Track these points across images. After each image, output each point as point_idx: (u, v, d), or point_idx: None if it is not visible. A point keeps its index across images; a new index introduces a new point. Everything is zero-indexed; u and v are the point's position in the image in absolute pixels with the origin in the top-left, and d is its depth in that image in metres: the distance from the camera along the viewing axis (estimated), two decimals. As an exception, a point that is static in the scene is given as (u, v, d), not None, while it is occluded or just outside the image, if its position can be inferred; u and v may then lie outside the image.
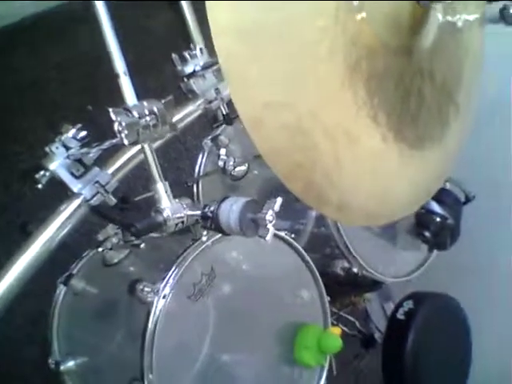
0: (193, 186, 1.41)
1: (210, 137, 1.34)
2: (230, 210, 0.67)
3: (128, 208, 0.92)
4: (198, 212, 0.72)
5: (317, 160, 0.67)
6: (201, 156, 1.42)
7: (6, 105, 1.47)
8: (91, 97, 1.53)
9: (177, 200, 0.75)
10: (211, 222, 0.69)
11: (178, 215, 0.73)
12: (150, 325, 0.84)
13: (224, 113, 1.10)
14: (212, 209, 0.69)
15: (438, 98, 0.81)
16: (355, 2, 0.68)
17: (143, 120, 0.71)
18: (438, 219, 1.28)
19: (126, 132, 0.69)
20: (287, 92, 0.62)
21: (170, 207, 0.73)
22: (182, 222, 0.74)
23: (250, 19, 0.59)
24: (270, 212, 0.64)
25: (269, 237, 0.64)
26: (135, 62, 1.67)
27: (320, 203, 0.69)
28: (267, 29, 0.60)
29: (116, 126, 0.70)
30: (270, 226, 0.64)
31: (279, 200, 0.66)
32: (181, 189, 1.61)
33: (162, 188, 0.74)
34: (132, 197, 1.10)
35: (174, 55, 1.06)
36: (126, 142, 0.70)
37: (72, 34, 1.52)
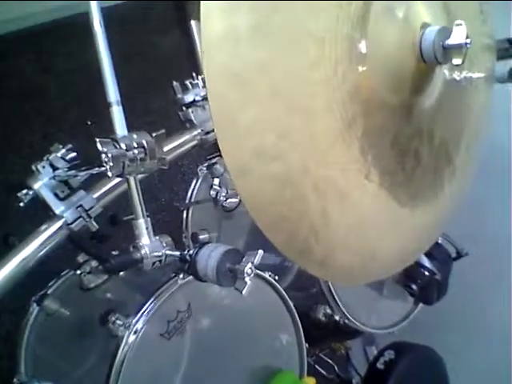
0: (183, 211, 1.39)
1: (205, 164, 1.33)
2: (209, 256, 0.65)
3: (109, 237, 0.89)
4: (177, 253, 0.70)
5: (303, 213, 0.65)
6: (194, 182, 1.41)
7: (4, 111, 1.45)
8: (91, 111, 1.51)
9: (157, 237, 0.73)
10: (188, 267, 0.67)
11: (156, 254, 0.71)
12: (118, 359, 0.82)
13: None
14: (191, 252, 0.67)
15: (435, 158, 0.80)
16: (358, 52, 0.66)
17: (130, 153, 0.69)
18: (427, 273, 1.26)
19: (111, 164, 0.67)
20: (278, 143, 0.60)
21: (148, 245, 0.71)
22: (160, 261, 0.71)
23: (245, 63, 0.57)
24: (249, 265, 0.62)
25: (245, 291, 0.62)
26: (140, 80, 1.68)
27: (302, 258, 0.67)
28: (263, 76, 0.58)
29: (102, 157, 0.68)
30: (247, 279, 0.62)
31: (260, 253, 0.63)
32: (172, 211, 1.59)
33: (143, 224, 0.72)
34: (122, 216, 1.08)
35: (175, 83, 1.04)
36: (110, 173, 0.68)
37: (78, 44, 1.51)
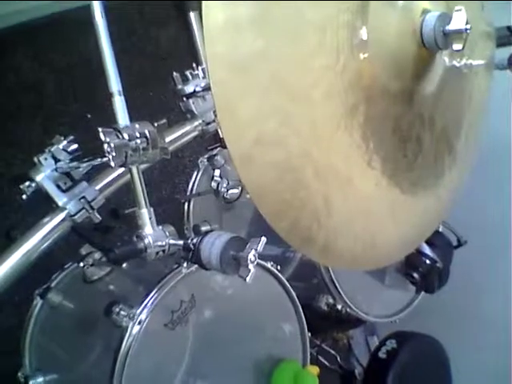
0: (185, 203, 1.39)
1: (206, 156, 1.33)
2: (213, 244, 0.65)
3: (112, 228, 0.89)
4: (181, 242, 0.70)
5: (306, 200, 0.65)
6: (195, 174, 1.41)
7: (3, 106, 1.45)
8: (91, 105, 1.50)
9: (160, 227, 0.73)
10: (192, 255, 0.67)
11: (160, 243, 0.71)
12: (122, 350, 0.82)
13: (221, 136, 1.08)
14: (194, 241, 0.67)
15: (436, 145, 0.80)
16: (359, 40, 0.66)
17: (133, 142, 0.69)
18: (428, 262, 1.26)
19: (113, 154, 0.68)
20: (280, 130, 0.60)
21: (152, 234, 0.71)
22: (163, 251, 0.72)
23: (246, 52, 0.57)
24: (253, 252, 0.62)
25: (249, 278, 0.62)
26: (140, 72, 1.67)
27: (304, 244, 0.67)
28: (264, 65, 0.58)
29: (105, 147, 0.68)
30: (251, 266, 0.62)
31: (263, 240, 0.64)
32: (173, 204, 1.59)
33: (146, 214, 0.72)
34: (123, 209, 1.08)
35: (175, 74, 1.04)
36: (112, 163, 0.68)
37: (77, 39, 1.51)
